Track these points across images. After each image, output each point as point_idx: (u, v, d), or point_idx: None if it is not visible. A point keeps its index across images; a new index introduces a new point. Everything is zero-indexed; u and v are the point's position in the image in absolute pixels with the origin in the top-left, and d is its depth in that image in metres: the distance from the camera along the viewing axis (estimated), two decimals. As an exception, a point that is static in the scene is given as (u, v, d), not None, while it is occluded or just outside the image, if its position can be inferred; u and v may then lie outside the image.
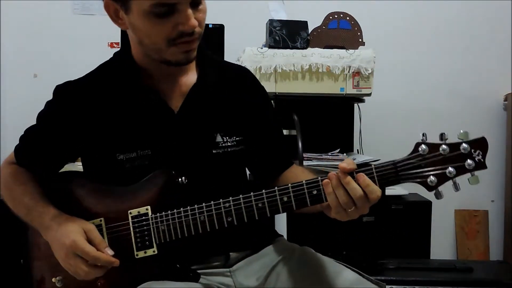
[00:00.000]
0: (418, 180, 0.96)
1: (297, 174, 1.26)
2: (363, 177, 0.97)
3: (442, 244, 2.79)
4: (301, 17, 2.33)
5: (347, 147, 2.54)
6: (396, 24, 2.83)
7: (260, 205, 1.03)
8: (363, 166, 1.00)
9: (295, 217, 2.01)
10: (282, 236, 1.34)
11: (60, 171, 1.27)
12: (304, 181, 1.01)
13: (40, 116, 1.23)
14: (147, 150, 1.13)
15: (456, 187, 0.95)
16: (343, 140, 2.54)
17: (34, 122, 1.27)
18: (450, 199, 2.72)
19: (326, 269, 1.13)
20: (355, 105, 2.58)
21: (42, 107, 1.28)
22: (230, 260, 1.20)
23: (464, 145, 0.95)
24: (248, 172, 1.34)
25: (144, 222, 1.08)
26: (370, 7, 2.77)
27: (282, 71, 2.23)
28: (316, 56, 2.25)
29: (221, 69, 1.25)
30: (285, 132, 1.72)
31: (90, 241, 1.06)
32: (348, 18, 2.39)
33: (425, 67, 2.86)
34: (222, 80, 1.23)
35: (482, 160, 0.94)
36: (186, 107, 1.16)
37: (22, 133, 1.27)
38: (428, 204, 2.38)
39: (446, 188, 2.72)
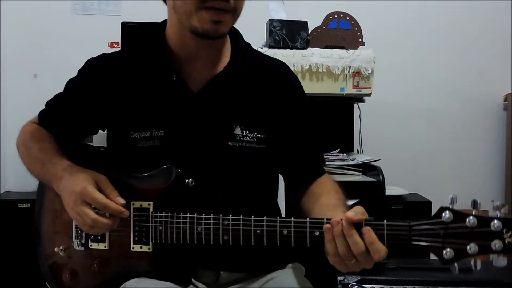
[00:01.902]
0: (433, 250, 0.85)
1: (323, 190, 1.16)
2: (369, 232, 0.88)
3: (442, 244, 2.79)
4: (301, 17, 2.33)
5: (347, 147, 2.54)
6: (396, 24, 2.83)
7: (258, 231, 0.98)
8: (376, 220, 0.89)
9: (295, 213, 2.01)
10: (296, 262, 1.22)
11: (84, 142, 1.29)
12: (308, 219, 0.96)
13: (69, 83, 1.24)
14: (160, 131, 1.11)
15: (475, 266, 0.83)
16: (343, 140, 2.54)
17: None
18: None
19: None
20: (355, 105, 2.58)
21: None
22: (220, 279, 1.14)
23: (496, 222, 0.81)
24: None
25: (144, 218, 1.07)
26: (370, 7, 2.76)
27: (282, 71, 2.22)
28: (316, 56, 2.25)
29: (256, 62, 1.19)
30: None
31: (100, 191, 1.04)
32: (348, 18, 2.39)
33: (425, 67, 2.86)
34: (253, 73, 1.17)
35: None
36: (206, 90, 1.12)
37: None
38: (428, 204, 2.38)
39: (446, 187, 2.73)
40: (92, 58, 1.22)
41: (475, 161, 2.90)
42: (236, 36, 1.19)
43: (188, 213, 1.04)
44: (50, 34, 2.68)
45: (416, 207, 2.38)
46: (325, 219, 0.94)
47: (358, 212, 0.90)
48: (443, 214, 0.85)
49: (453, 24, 2.86)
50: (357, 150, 2.62)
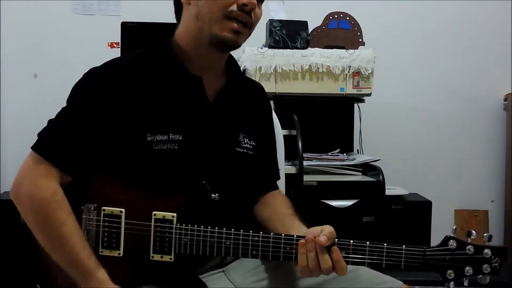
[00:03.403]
0: (438, 270, 1.04)
1: (278, 202, 1.26)
2: (336, 252, 1.02)
3: (442, 244, 2.79)
4: (301, 17, 2.33)
5: (347, 147, 2.54)
6: (396, 24, 2.83)
7: (288, 248, 1.04)
8: (393, 244, 1.04)
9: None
10: None
11: None
12: (336, 240, 1.04)
13: (73, 104, 1.12)
14: (178, 135, 1.13)
15: (467, 284, 1.04)
16: (343, 140, 2.54)
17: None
18: (450, 199, 2.74)
19: None
20: (355, 105, 2.58)
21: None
22: (226, 260, 1.21)
23: (487, 251, 1.04)
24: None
25: (167, 229, 1.07)
26: (370, 7, 2.77)
27: (282, 71, 2.23)
28: (316, 56, 2.25)
29: (244, 79, 1.35)
30: (285, 132, 1.72)
31: None
32: (348, 18, 2.39)
33: (425, 67, 2.86)
34: (245, 89, 1.30)
35: (497, 267, 1.04)
36: (219, 100, 1.21)
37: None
38: (428, 204, 2.38)
39: (446, 187, 2.73)
40: (93, 69, 1.15)
41: (475, 161, 2.90)
42: (230, 57, 1.27)
43: (216, 228, 1.06)
44: (50, 34, 2.69)
45: (416, 207, 2.38)
46: (351, 242, 1.04)
47: (330, 238, 1.02)
48: (449, 243, 1.04)
49: (453, 24, 2.86)
50: (357, 150, 2.62)
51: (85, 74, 1.14)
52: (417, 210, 2.37)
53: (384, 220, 2.16)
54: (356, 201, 2.12)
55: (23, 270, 2.22)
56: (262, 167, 1.29)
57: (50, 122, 1.12)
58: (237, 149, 1.21)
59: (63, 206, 1.06)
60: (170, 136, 1.12)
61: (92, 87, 1.12)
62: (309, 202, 2.06)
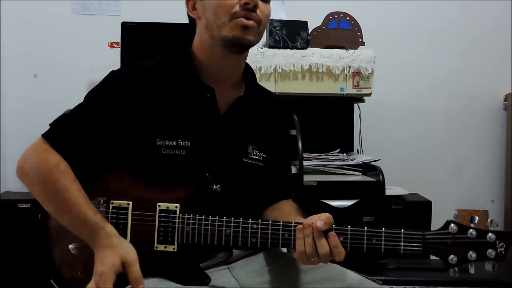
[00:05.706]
0: (440, 255, 1.02)
1: (283, 205, 1.28)
2: (334, 237, 1.03)
3: (442, 244, 2.79)
4: (301, 17, 2.33)
5: (347, 147, 2.54)
6: (396, 24, 2.83)
7: (286, 235, 1.06)
8: (392, 228, 1.03)
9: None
10: None
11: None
12: (333, 226, 1.04)
13: (90, 100, 1.18)
14: (187, 142, 1.16)
15: (473, 271, 1.01)
16: (343, 140, 2.55)
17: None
18: (450, 199, 2.74)
19: (331, 271, 1.16)
20: (355, 105, 2.58)
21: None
22: (232, 257, 1.23)
23: (491, 235, 1.00)
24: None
25: (170, 219, 1.11)
26: (370, 7, 2.77)
27: (282, 71, 2.23)
28: (316, 56, 2.25)
29: (260, 91, 1.36)
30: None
31: (128, 274, 1.04)
32: (348, 18, 2.40)
33: (425, 67, 2.86)
34: (260, 101, 1.32)
35: (503, 252, 0.99)
36: (231, 112, 1.23)
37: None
38: (428, 204, 2.38)
39: (446, 187, 2.74)
40: (115, 72, 1.21)
41: (475, 161, 2.90)
42: (248, 68, 1.30)
43: (216, 216, 1.09)
44: (50, 34, 2.68)
45: (416, 207, 2.38)
46: (349, 228, 1.05)
47: (327, 223, 1.03)
48: (449, 226, 1.01)
49: (453, 24, 2.86)
50: (357, 150, 2.62)
51: (107, 76, 1.20)
52: (417, 210, 2.37)
53: (384, 220, 2.16)
54: (356, 201, 2.12)
55: (24, 270, 2.22)
56: (272, 178, 1.30)
57: (65, 113, 1.19)
58: (244, 159, 1.23)
59: (66, 175, 1.11)
60: (179, 142, 1.16)
61: (110, 90, 1.18)
62: (309, 202, 2.06)
